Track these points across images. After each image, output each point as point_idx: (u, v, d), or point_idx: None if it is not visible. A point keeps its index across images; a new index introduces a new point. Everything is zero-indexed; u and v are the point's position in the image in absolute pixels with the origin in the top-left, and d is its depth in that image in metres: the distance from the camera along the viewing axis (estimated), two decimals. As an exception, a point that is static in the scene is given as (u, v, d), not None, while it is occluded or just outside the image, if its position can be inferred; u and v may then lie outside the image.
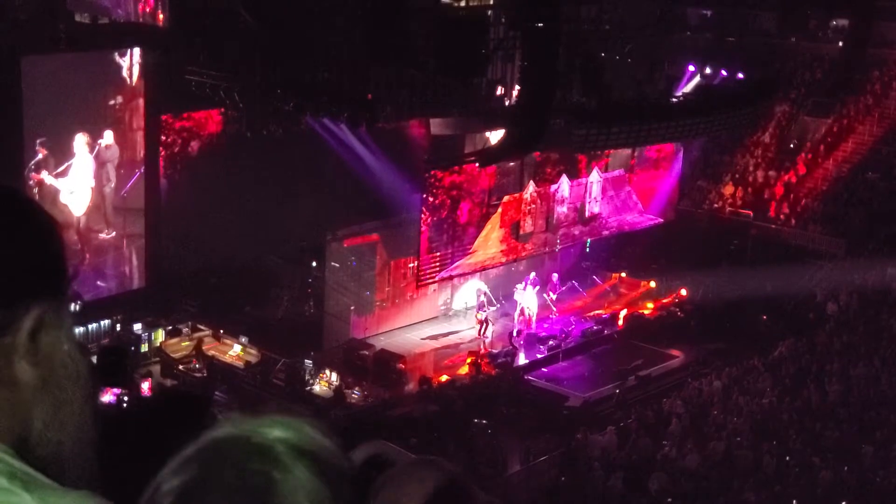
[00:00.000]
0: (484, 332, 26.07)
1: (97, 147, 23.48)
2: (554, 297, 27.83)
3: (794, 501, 18.70)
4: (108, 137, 23.67)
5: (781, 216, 31.67)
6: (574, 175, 28.77)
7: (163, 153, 25.96)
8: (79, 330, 22.04)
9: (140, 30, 23.42)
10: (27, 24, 21.72)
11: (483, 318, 26.16)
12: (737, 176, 33.51)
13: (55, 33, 22.33)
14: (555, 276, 28.28)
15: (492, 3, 26.45)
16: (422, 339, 26.50)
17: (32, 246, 1.39)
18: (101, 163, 23.65)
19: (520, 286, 27.04)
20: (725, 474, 19.72)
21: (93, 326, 23.15)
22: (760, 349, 25.38)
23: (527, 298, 26.85)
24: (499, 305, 27.22)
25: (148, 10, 24.21)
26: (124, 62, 23.65)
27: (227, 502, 1.16)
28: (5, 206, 1.41)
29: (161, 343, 24.56)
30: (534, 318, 26.98)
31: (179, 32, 23.08)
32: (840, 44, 33.59)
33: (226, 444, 1.21)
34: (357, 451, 2.25)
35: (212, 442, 1.22)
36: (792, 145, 34.00)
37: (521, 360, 25.76)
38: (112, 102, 23.56)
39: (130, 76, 23.76)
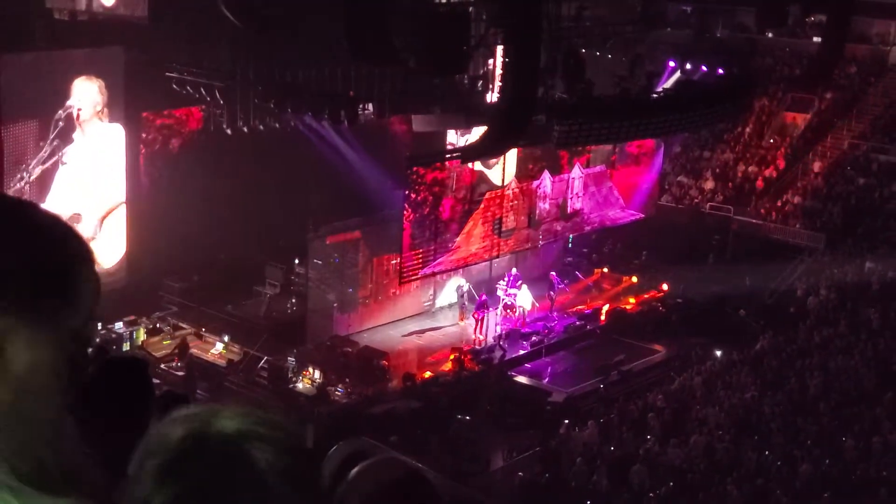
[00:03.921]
0: (480, 330, 26.08)
1: (76, 143, 23.34)
2: (554, 295, 27.90)
3: (777, 493, 18.81)
4: (88, 133, 23.52)
5: (762, 211, 31.85)
6: (556, 171, 28.81)
7: (143, 151, 25.85)
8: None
9: (120, 27, 23.27)
10: (5, 21, 21.55)
11: (480, 317, 26.14)
12: (717, 171, 33.66)
13: (34, 31, 22.20)
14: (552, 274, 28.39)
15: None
16: (405, 335, 26.52)
17: (8, 250, 1.32)
18: (81, 160, 23.50)
19: (502, 283, 27.08)
20: (707, 468, 19.83)
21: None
22: (741, 344, 25.53)
23: (520, 297, 26.91)
24: (479, 301, 27.23)
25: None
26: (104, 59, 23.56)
27: (188, 486, 1.20)
28: None
29: (142, 342, 24.47)
30: (525, 316, 27.04)
31: (160, 29, 22.95)
32: (818, 39, 33.77)
33: (186, 431, 1.24)
34: (338, 448, 2.28)
35: (171, 430, 1.24)
36: (772, 140, 34.19)
37: (504, 355, 25.80)
38: (91, 100, 23.40)
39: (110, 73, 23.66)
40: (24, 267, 1.33)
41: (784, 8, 32.25)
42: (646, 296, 29.11)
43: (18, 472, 1.32)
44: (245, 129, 24.88)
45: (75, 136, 23.10)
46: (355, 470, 2.20)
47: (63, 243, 1.39)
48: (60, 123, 22.81)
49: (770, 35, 35.44)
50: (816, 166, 32.61)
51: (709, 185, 33.23)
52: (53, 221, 1.40)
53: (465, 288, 27.44)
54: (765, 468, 19.72)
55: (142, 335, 24.62)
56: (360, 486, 2.17)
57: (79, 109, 22.96)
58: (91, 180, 23.54)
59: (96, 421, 1.77)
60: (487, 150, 26.03)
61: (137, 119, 25.05)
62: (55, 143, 22.82)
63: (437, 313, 27.75)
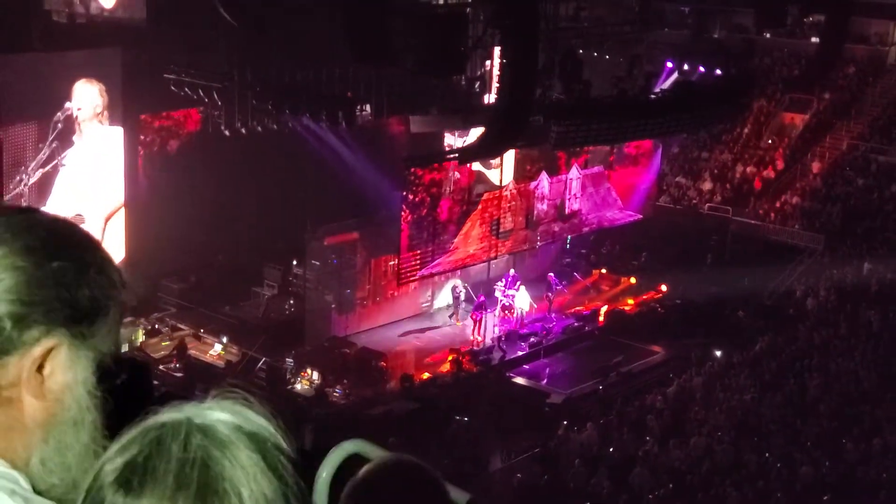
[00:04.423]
0: (478, 331, 26.06)
1: (76, 146, 23.31)
2: (553, 296, 27.88)
3: (777, 496, 18.79)
4: (87, 136, 23.50)
5: (760, 212, 31.84)
6: (554, 172, 28.79)
7: (142, 152, 25.81)
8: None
9: (118, 29, 23.25)
10: (3, 23, 21.52)
11: (478, 318, 26.11)
12: (715, 172, 33.65)
13: (32, 33, 22.18)
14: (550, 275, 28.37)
15: (470, 0, 26.44)
16: (403, 336, 26.49)
17: (58, 275, 1.37)
18: (80, 163, 23.48)
19: (500, 284, 27.05)
20: (707, 470, 19.80)
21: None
22: (740, 345, 25.50)
23: (519, 298, 26.89)
24: (477, 302, 27.20)
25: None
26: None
27: (168, 479, 1.20)
28: (37, 228, 1.40)
29: (141, 343, 24.42)
30: (524, 317, 27.03)
31: (158, 31, 22.92)
32: (816, 40, 33.78)
33: (168, 424, 1.24)
34: (337, 449, 2.25)
35: (154, 423, 1.25)
36: (770, 141, 34.18)
37: (503, 356, 25.78)
38: (91, 102, 23.37)
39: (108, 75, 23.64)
40: (71, 291, 1.39)
41: (782, 8, 32.26)
42: (644, 297, 29.08)
43: (40, 485, 1.37)
44: (243, 131, 24.86)
45: (74, 138, 23.07)
46: (363, 470, 2.18)
47: (104, 267, 1.45)
48: (59, 125, 22.78)
49: (768, 36, 35.42)
50: (815, 167, 32.60)
51: (707, 185, 33.21)
52: (96, 245, 1.47)
53: (461, 289, 27.40)
54: (765, 470, 19.69)
55: (140, 336, 24.57)
56: (372, 486, 2.15)
57: (78, 110, 22.93)
58: (91, 183, 23.51)
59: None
60: (485, 151, 26.01)
61: (136, 121, 25.02)
62: (54, 145, 22.79)
63: (436, 314, 27.72)
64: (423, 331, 26.90)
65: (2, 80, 21.60)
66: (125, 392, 2.34)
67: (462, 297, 27.42)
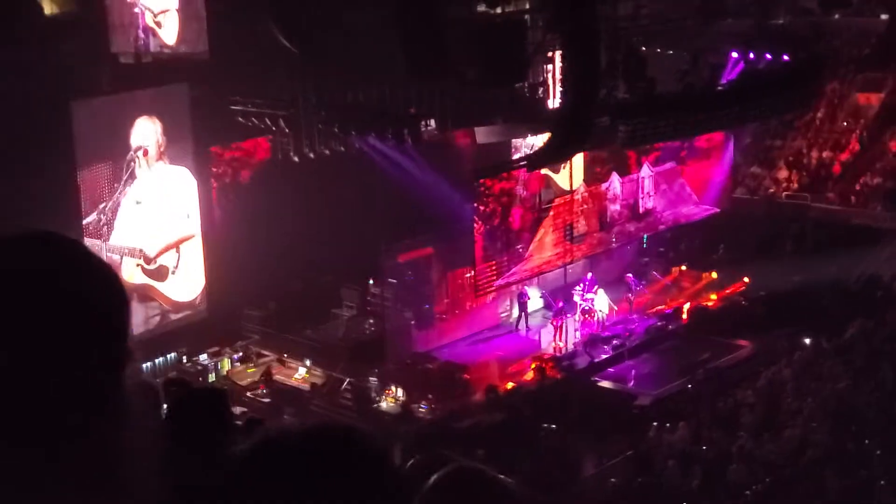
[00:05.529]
0: (559, 337, 25.89)
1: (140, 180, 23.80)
2: (633, 297, 27.59)
3: (881, 483, 18.24)
4: (152, 171, 23.96)
5: (840, 196, 31.10)
6: (624, 172, 28.51)
7: (215, 185, 26.23)
8: (145, 365, 22.26)
9: (182, 64, 23.70)
10: (75, 69, 22.12)
11: (558, 324, 25.94)
12: (790, 159, 32.97)
13: (100, 76, 22.75)
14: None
15: (528, 7, 26.35)
16: (484, 348, 26.41)
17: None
18: (144, 197, 23.96)
19: (578, 289, 26.83)
20: (805, 462, 19.33)
21: (159, 360, 23.47)
22: (829, 332, 24.88)
23: (598, 301, 26.65)
24: (556, 308, 27.00)
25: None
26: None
27: None
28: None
29: (228, 371, 24.79)
30: (605, 320, 26.76)
31: (220, 63, 23.30)
32: (886, 17, 32.92)
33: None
34: (442, 475, 2.23)
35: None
36: (845, 123, 33.38)
37: (587, 362, 25.54)
38: (154, 139, 23.84)
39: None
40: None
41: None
42: (727, 291, 28.57)
43: None
44: (311, 156, 25.11)
45: (140, 173, 23.55)
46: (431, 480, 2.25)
47: (121, 287, 1.51)
48: (132, 164, 23.30)
49: (836, 16, 34.63)
50: (894, 146, 31.75)
51: (783, 173, 32.56)
52: (108, 268, 1.52)
53: (528, 296, 27.10)
54: (865, 458, 19.15)
55: (226, 365, 24.93)
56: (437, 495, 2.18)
57: (143, 148, 23.43)
58: (154, 217, 23.95)
59: (179, 449, 1.89)
60: (553, 156, 25.88)
61: (206, 154, 25.44)
62: (127, 182, 23.31)
63: (515, 324, 27.57)
64: (508, 341, 26.72)
65: (77, 125, 22.15)
66: (203, 419, 2.38)
67: (530, 304, 27.15)
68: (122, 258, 23.30)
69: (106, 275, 1.48)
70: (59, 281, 1.40)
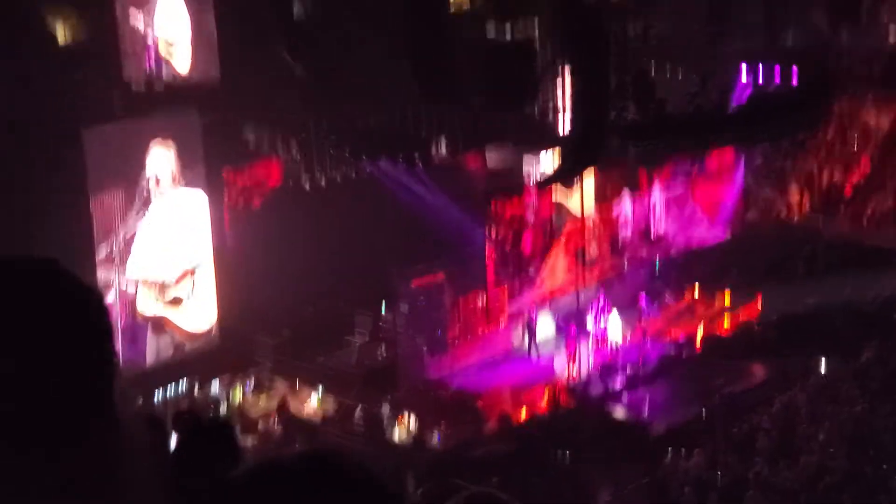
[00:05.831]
0: (572, 363, 25.71)
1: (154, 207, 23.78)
2: (645, 322, 27.42)
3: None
4: (166, 197, 23.94)
5: (853, 217, 30.97)
6: (635, 189, 28.43)
7: (226, 211, 26.21)
8: (156, 396, 22.19)
9: (194, 91, 23.74)
10: (87, 97, 22.15)
11: (571, 350, 25.77)
12: (802, 181, 32.88)
13: (112, 103, 22.78)
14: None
15: (537, 29, 26.37)
16: (497, 374, 26.24)
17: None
18: (158, 224, 23.93)
19: (590, 314, 26.68)
20: (822, 487, 19.13)
21: (171, 390, 23.37)
22: (844, 355, 24.70)
23: (611, 327, 26.50)
24: (569, 334, 26.85)
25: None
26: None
27: None
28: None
29: (240, 401, 24.66)
30: (618, 346, 26.58)
31: (232, 89, 23.35)
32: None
33: None
34: (455, 502, 2.18)
35: None
36: (856, 144, 33.29)
37: (600, 388, 25.36)
38: (168, 165, 23.85)
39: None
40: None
41: (856, 6, 31.51)
42: (740, 315, 28.40)
43: None
44: (322, 181, 25.09)
45: (155, 199, 23.54)
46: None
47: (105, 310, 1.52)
48: (146, 191, 23.29)
49: (845, 36, 34.58)
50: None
51: (794, 196, 32.47)
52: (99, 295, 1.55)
53: (538, 321, 26.92)
54: (884, 482, 18.95)
55: (238, 394, 24.81)
56: None
57: (156, 175, 23.42)
58: (170, 244, 23.90)
59: (186, 484, 1.87)
60: (563, 175, 25.85)
61: (218, 180, 25.44)
62: (140, 209, 23.30)
63: (528, 350, 27.40)
64: (520, 367, 26.53)
65: (88, 152, 22.16)
66: (208, 451, 2.33)
67: (543, 329, 26.99)
68: (136, 289, 23.24)
69: (83, 291, 1.49)
70: (34, 300, 1.44)
